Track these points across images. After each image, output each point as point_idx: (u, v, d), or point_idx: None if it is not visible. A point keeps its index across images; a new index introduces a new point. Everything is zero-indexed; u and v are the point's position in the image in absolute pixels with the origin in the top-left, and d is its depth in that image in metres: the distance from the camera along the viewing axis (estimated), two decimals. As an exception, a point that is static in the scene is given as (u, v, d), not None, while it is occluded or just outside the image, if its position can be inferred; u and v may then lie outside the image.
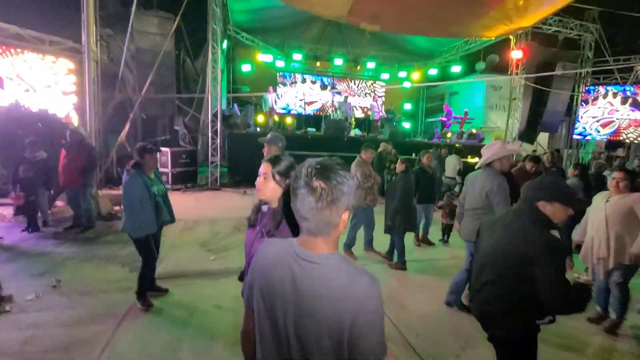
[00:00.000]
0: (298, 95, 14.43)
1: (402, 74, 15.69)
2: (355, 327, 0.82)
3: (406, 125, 13.69)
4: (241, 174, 8.72)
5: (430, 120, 16.44)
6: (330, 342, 0.84)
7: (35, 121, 5.85)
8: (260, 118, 10.99)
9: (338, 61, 14.19)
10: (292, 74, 14.80)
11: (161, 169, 8.49)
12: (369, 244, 4.70)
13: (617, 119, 11.76)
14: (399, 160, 4.44)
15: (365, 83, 15.90)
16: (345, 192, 0.85)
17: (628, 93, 11.59)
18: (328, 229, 0.87)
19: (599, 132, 12.21)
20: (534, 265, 1.52)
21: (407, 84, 15.01)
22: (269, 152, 3.08)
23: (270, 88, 11.56)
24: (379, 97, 16.16)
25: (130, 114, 7.83)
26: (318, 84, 14.45)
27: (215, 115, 8.85)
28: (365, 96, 15.89)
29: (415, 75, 15.32)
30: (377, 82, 15.88)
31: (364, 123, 13.75)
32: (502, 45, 12.03)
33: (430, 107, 16.98)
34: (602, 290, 3.09)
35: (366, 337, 0.82)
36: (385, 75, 15.41)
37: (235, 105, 11.88)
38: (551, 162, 6.42)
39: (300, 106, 14.25)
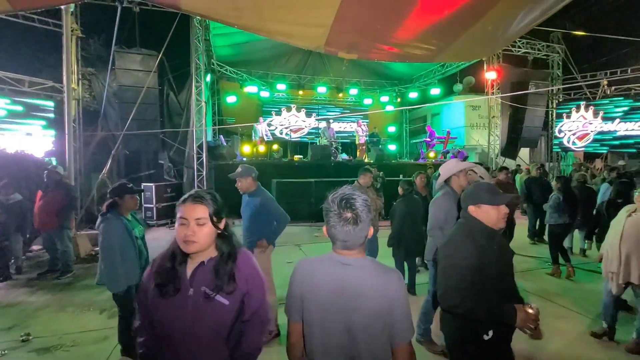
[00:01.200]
0: (284, 123, 14.60)
1: (384, 98, 16.16)
2: (393, 315, 1.12)
3: (392, 147, 13.92)
4: (229, 205, 8.54)
5: (414, 141, 16.79)
6: (375, 329, 1.12)
7: (9, 162, 5.65)
8: (247, 148, 10.99)
9: (321, 89, 14.56)
10: (277, 103, 15.06)
11: (145, 205, 8.27)
12: None
13: (591, 131, 12.25)
14: (400, 183, 4.34)
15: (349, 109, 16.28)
16: (368, 213, 1.14)
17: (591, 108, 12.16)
18: (360, 242, 1.17)
19: (576, 144, 12.64)
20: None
21: (389, 108, 15.44)
22: (243, 185, 2.96)
23: (261, 119, 11.71)
24: (363, 121, 16.52)
25: (112, 150, 7.71)
26: (303, 111, 14.70)
27: (200, 147, 8.79)
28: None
29: (397, 100, 15.81)
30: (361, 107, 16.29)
31: (350, 148, 13.91)
32: (476, 67, 12.62)
33: (414, 128, 17.41)
34: (609, 306, 2.98)
35: (401, 320, 1.14)
36: (368, 101, 15.83)
37: (221, 136, 11.90)
38: (540, 176, 6.58)
39: (286, 134, 14.38)
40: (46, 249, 5.18)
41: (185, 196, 1.28)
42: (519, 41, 12.07)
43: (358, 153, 12.69)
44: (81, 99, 8.20)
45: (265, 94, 14.16)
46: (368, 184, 4.26)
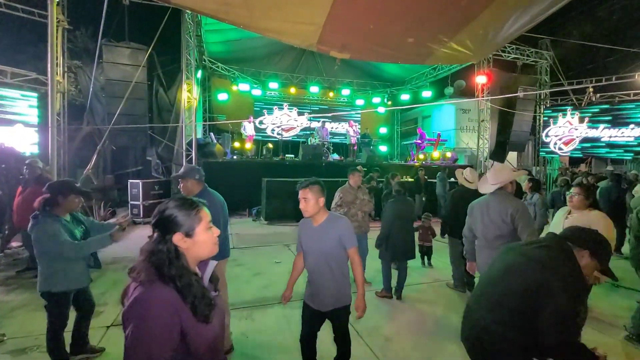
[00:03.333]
0: (276, 122, 14.53)
1: (376, 99, 16.23)
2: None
3: (383, 148, 13.98)
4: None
5: (405, 143, 16.90)
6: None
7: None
8: (238, 146, 10.90)
9: (314, 89, 14.54)
10: (269, 101, 14.98)
11: (132, 202, 8.11)
12: None
13: (576, 136, 12.53)
14: (393, 184, 4.30)
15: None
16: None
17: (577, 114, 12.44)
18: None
19: (562, 149, 12.91)
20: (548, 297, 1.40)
21: (381, 109, 15.51)
22: (186, 187, 2.74)
23: (251, 117, 11.61)
24: (354, 121, 16.57)
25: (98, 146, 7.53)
26: (295, 110, 14.65)
27: (189, 144, 8.67)
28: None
29: (388, 102, 15.91)
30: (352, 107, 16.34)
31: (342, 148, 13.93)
32: (467, 71, 12.77)
33: (405, 130, 17.53)
34: None
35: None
36: (360, 101, 15.88)
37: (212, 134, 11.76)
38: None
39: (278, 133, 14.30)
40: (25, 246, 5.01)
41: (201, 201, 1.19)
42: (509, 46, 12.26)
43: (350, 154, 12.72)
44: (66, 92, 7.99)
45: (257, 92, 14.07)
46: (358, 184, 4.23)
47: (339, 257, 2.15)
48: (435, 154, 12.34)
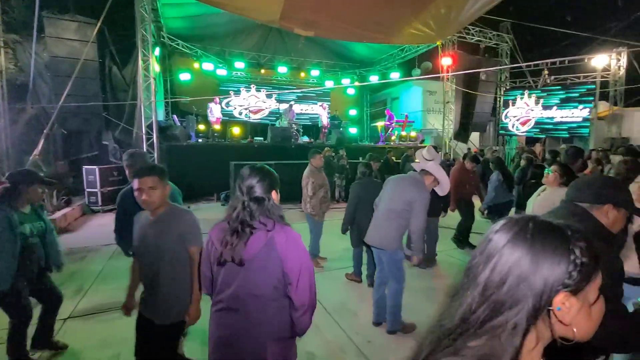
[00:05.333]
0: (243, 104, 14.08)
1: (346, 80, 16.14)
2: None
3: (353, 130, 14.06)
4: (183, 188, 8.16)
5: (374, 124, 17.09)
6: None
7: None
8: (203, 128, 10.48)
9: (282, 69, 14.16)
10: (235, 82, 14.43)
11: (89, 189, 7.63)
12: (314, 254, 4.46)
13: (532, 117, 13.28)
14: (358, 165, 4.17)
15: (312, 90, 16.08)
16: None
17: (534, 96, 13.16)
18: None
19: (519, 129, 13.66)
20: None
21: (351, 90, 15.50)
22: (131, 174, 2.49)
23: (216, 98, 11.10)
24: (326, 103, 16.46)
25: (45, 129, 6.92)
26: (263, 91, 14.24)
27: (150, 126, 8.20)
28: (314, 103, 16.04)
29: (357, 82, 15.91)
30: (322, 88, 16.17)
31: (312, 130, 13.83)
32: (434, 53, 12.97)
33: (375, 112, 17.68)
34: None
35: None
36: (329, 83, 15.72)
37: (174, 116, 11.20)
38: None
39: (245, 115, 13.90)
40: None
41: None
42: (472, 29, 12.56)
43: (321, 135, 12.67)
44: (4, 70, 7.20)
45: (222, 72, 13.49)
46: (319, 166, 4.23)
47: (179, 257, 1.84)
48: (393, 137, 12.47)
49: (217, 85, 13.89)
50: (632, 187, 1.91)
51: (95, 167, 7.60)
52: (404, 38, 5.14)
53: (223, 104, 13.37)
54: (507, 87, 14.32)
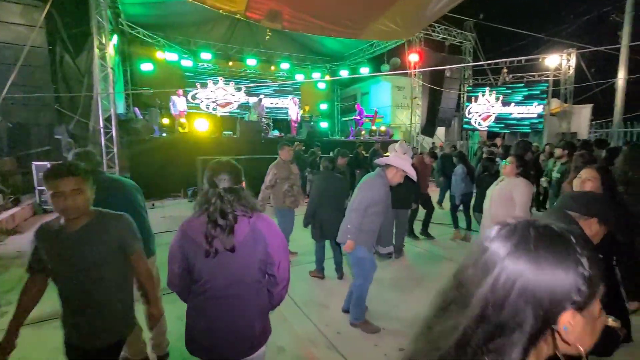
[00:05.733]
0: (210, 97, 13.61)
1: (316, 74, 16.09)
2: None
3: (324, 124, 14.08)
4: (146, 185, 7.77)
5: (345, 119, 17.22)
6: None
7: None
8: (167, 122, 10.02)
9: (251, 61, 13.82)
10: (202, 74, 13.90)
11: (39, 187, 7.06)
12: None
13: (492, 113, 14.01)
14: (321, 160, 4.17)
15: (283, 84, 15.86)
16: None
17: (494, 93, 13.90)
18: None
19: (481, 124, 14.37)
20: None
21: (321, 84, 15.47)
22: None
23: (180, 91, 10.60)
24: (296, 97, 16.32)
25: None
26: (232, 84, 13.84)
27: (108, 120, 7.71)
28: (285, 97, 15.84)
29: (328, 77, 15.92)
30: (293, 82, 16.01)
31: (283, 124, 13.68)
32: (402, 49, 13.25)
33: (345, 106, 17.81)
34: None
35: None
36: (300, 76, 15.60)
37: (136, 109, 10.61)
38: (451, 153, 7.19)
39: (213, 108, 13.46)
40: None
41: None
42: (438, 27, 12.95)
43: (293, 130, 12.56)
44: None
45: (187, 63, 12.94)
46: (287, 158, 4.20)
47: (119, 269, 1.60)
48: (363, 132, 12.69)
49: (182, 77, 13.32)
50: (575, 182, 2.06)
51: (47, 163, 7.05)
52: (372, 34, 5.20)
53: (189, 97, 12.85)
54: (470, 84, 14.98)
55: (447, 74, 13.30)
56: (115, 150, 7.74)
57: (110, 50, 7.83)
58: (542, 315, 0.49)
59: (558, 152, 4.64)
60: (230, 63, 14.04)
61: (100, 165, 2.38)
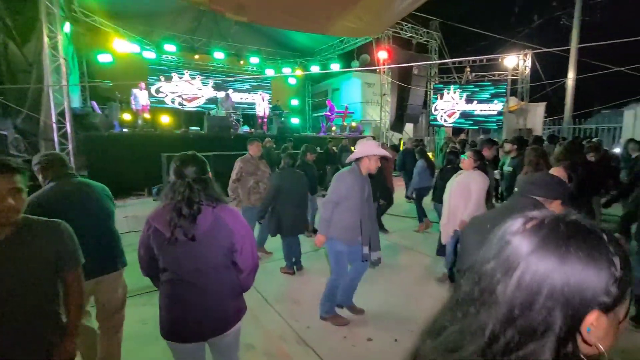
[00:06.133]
0: (176, 91, 13.07)
1: (287, 69, 15.94)
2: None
3: (295, 120, 14.00)
4: (106, 184, 7.35)
5: (316, 115, 17.23)
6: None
7: None
8: (128, 117, 9.51)
9: (219, 55, 13.40)
10: (167, 67, 13.29)
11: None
12: (260, 244, 4.43)
13: (457, 110, 14.62)
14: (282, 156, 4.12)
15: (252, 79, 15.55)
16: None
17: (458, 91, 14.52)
18: None
19: (447, 121, 14.95)
20: None
21: (292, 79, 15.34)
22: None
23: (142, 83, 10.05)
24: (266, 92, 16.08)
25: None
26: (199, 78, 13.37)
27: (62, 114, 7.18)
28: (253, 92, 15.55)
29: (299, 72, 15.82)
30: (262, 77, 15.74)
31: (252, 119, 13.44)
32: (371, 46, 13.43)
33: (316, 102, 17.81)
34: (448, 254, 3.53)
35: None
36: (270, 71, 15.37)
37: (94, 102, 9.98)
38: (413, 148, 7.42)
39: (179, 103, 12.94)
40: None
41: None
42: (406, 25, 13.25)
43: (263, 126, 12.37)
44: None
45: (150, 55, 12.30)
46: (256, 154, 4.14)
47: (48, 290, 1.34)
48: (334, 128, 12.83)
49: (145, 70, 12.66)
50: (519, 177, 2.21)
51: (-10, 161, 6.44)
52: (340, 30, 5.21)
53: (152, 90, 12.27)
54: (436, 82, 15.52)
55: (415, 71, 13.69)
56: (70, 147, 7.23)
57: (62, 39, 7.26)
58: (571, 316, 0.46)
59: (507, 146, 4.89)
60: (197, 56, 13.54)
61: (72, 168, 2.18)
